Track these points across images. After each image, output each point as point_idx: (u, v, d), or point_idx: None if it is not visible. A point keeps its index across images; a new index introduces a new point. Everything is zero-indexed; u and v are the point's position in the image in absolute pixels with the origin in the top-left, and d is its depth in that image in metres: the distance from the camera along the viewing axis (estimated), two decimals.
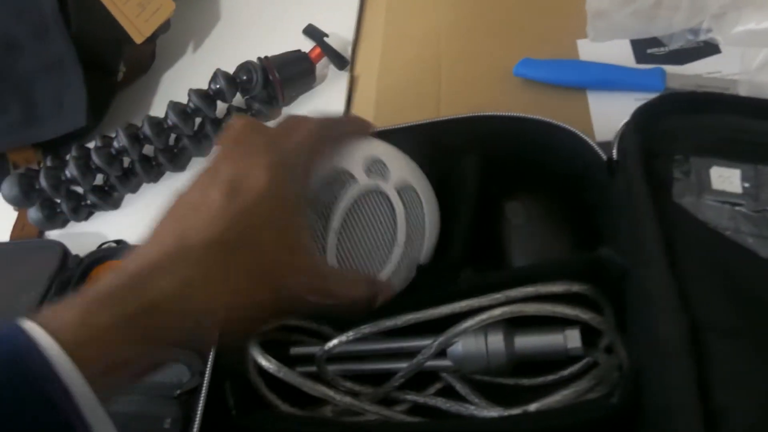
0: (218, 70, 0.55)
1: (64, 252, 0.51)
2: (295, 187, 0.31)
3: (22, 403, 0.22)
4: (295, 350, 0.36)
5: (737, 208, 0.32)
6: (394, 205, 0.35)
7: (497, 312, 0.32)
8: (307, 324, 0.37)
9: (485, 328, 0.32)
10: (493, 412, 0.32)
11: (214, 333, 0.30)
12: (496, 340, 0.32)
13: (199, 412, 0.33)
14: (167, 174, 0.59)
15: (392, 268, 0.36)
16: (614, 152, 0.35)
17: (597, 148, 0.36)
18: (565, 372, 0.32)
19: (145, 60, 0.69)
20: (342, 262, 0.35)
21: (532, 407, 0.30)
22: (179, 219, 0.29)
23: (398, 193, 0.35)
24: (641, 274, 0.29)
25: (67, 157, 0.55)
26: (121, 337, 0.25)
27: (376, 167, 0.36)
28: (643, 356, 0.29)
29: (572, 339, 0.33)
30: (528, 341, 0.33)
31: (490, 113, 0.40)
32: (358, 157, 0.35)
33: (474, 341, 0.33)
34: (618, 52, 0.46)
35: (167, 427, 0.39)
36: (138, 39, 0.61)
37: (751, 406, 0.24)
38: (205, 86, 0.56)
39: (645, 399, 0.28)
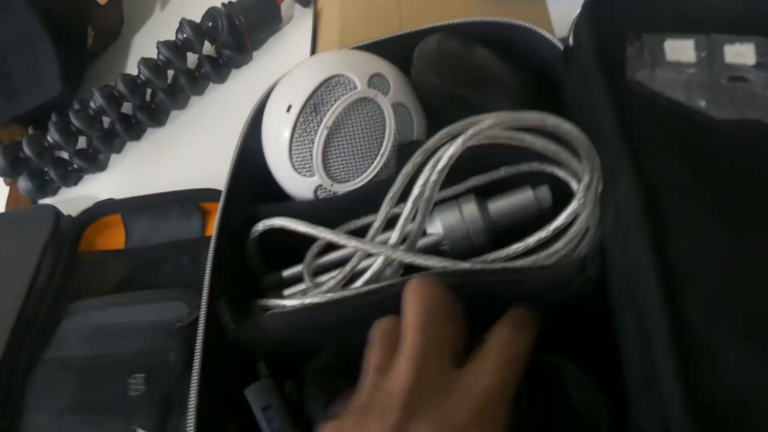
0: (183, 19, 0.56)
1: (57, 215, 0.52)
2: None
3: None
4: (287, 272, 0.38)
5: (691, 76, 0.32)
6: (386, 119, 0.37)
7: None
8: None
9: (458, 203, 0.33)
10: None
11: None
12: (470, 208, 0.34)
13: (200, 339, 0.34)
14: (149, 131, 0.60)
15: (369, 176, 0.37)
16: (570, 42, 0.35)
17: (553, 40, 0.37)
18: (551, 227, 0.31)
19: (114, 24, 0.68)
20: (325, 157, 0.37)
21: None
22: None
23: (393, 108, 0.37)
24: (601, 152, 0.30)
25: (48, 123, 0.56)
26: None
27: (379, 82, 0.37)
28: (605, 222, 0.30)
29: (543, 195, 0.34)
30: (501, 204, 0.34)
31: (446, 23, 0.40)
32: (364, 69, 0.37)
33: (450, 214, 0.34)
34: None
35: (173, 359, 0.41)
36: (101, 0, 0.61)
37: (705, 259, 0.25)
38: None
39: (608, 263, 0.29)
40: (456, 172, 0.33)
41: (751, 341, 0.22)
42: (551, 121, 0.31)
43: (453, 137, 0.33)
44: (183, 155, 0.58)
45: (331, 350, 0.33)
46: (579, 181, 0.33)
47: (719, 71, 0.32)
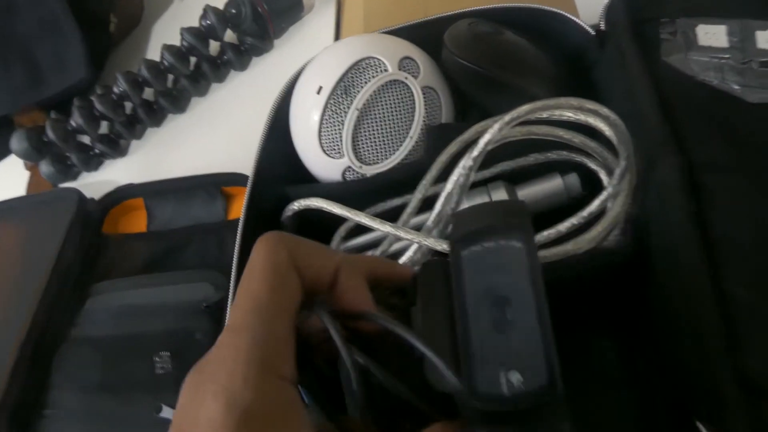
0: (207, 6, 0.56)
1: (81, 197, 0.53)
2: None
3: None
4: None
5: (724, 61, 0.32)
6: (416, 101, 0.37)
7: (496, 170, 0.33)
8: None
9: (487, 189, 0.34)
10: None
11: None
12: (500, 195, 0.34)
13: (228, 316, 0.35)
14: (170, 117, 0.60)
15: (398, 159, 0.37)
16: (602, 24, 0.36)
17: (583, 24, 0.37)
18: (583, 213, 0.31)
19: (135, 11, 0.69)
20: (355, 139, 0.37)
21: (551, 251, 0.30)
22: None
23: (422, 91, 0.37)
24: (637, 132, 0.30)
25: (72, 107, 0.56)
26: None
27: (409, 65, 0.38)
28: (648, 200, 0.30)
29: (572, 182, 0.34)
30: (530, 191, 0.35)
31: (473, 8, 0.41)
32: (395, 52, 0.38)
33: (480, 200, 0.34)
34: None
35: (199, 338, 0.42)
36: None
37: (747, 233, 0.26)
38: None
39: (652, 242, 0.29)
40: (485, 156, 0.33)
41: None
42: (589, 105, 0.31)
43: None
44: (203, 142, 0.58)
45: None
46: (608, 170, 0.33)
47: (751, 56, 0.32)
